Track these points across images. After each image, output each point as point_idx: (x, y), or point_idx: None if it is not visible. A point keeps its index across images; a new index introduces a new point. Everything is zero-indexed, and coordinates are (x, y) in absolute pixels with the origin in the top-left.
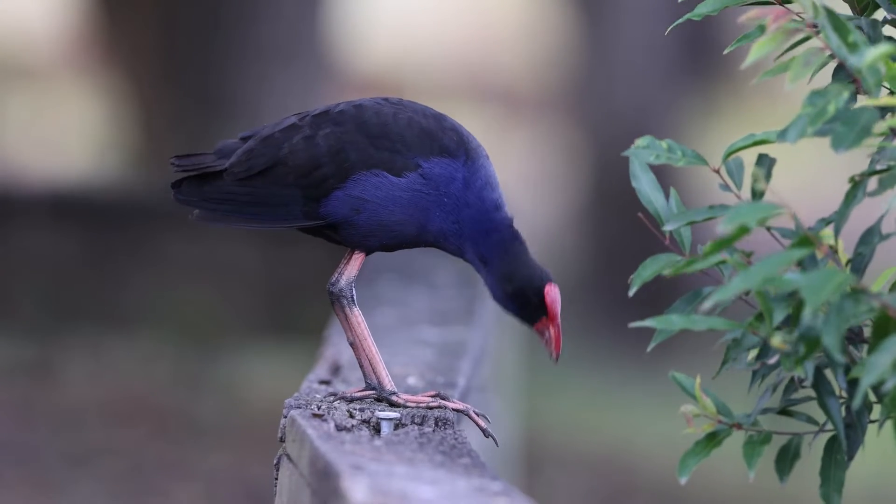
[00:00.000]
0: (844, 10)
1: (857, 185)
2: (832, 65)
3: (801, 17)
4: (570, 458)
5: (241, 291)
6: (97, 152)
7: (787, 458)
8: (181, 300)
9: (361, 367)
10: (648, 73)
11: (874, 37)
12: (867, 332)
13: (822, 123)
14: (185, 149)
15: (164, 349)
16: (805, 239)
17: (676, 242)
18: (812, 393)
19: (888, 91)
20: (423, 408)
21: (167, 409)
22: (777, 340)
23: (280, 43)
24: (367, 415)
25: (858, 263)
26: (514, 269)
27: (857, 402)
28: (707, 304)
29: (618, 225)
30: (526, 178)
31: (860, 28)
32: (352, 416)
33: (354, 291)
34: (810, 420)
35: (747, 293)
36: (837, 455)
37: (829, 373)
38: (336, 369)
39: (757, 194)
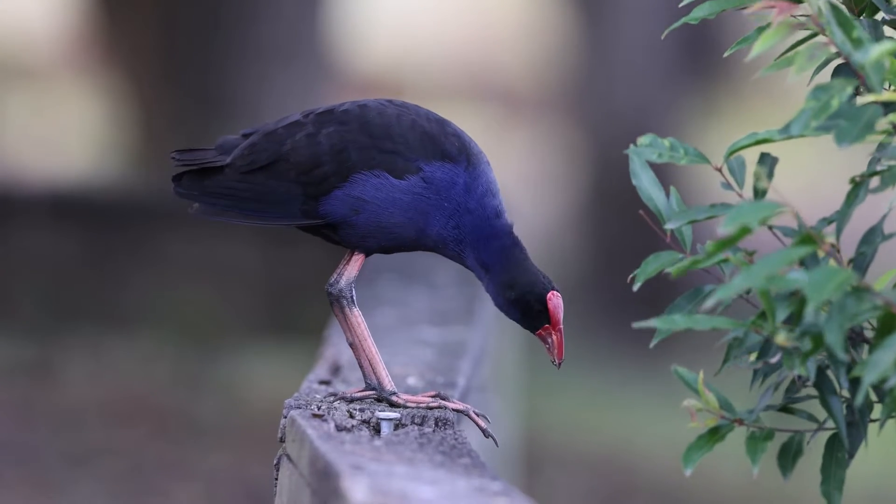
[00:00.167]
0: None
1: (858, 185)
2: (832, 65)
3: (805, 16)
4: (570, 458)
5: (241, 291)
6: (97, 152)
7: (789, 455)
8: (181, 300)
9: (361, 367)
10: (648, 73)
11: (875, 36)
12: (868, 333)
13: (825, 118)
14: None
15: (164, 349)
16: (808, 237)
17: (677, 241)
18: (813, 391)
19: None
20: (423, 408)
21: (167, 409)
22: (781, 337)
23: (280, 43)
24: (367, 415)
25: (860, 262)
26: (516, 276)
27: (859, 398)
28: (710, 303)
29: (618, 225)
30: (526, 178)
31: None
32: (352, 417)
33: (354, 292)
34: (811, 418)
35: (748, 292)
36: (838, 453)
37: (830, 373)
38: (336, 369)
39: (759, 193)
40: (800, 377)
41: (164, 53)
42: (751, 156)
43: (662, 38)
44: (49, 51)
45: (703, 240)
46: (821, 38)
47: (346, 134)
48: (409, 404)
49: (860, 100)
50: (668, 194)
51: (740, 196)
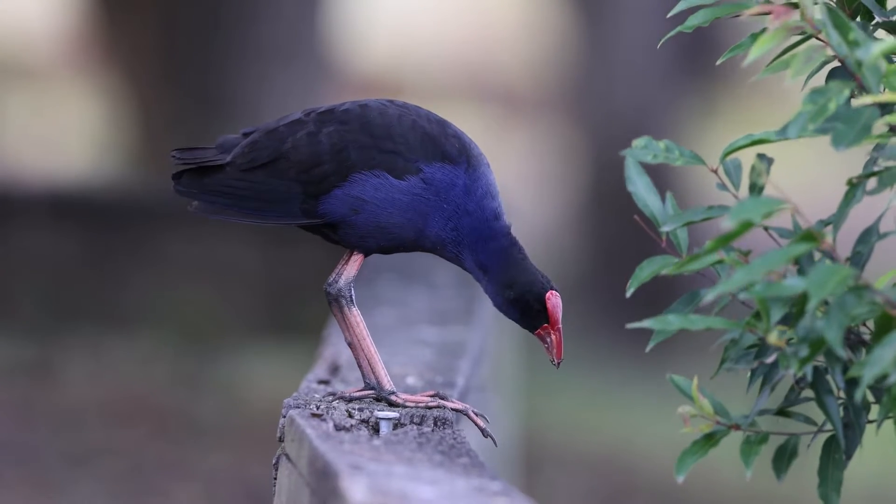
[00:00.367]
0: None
1: (855, 186)
2: (828, 68)
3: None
4: (570, 458)
5: (240, 291)
6: (97, 152)
7: (784, 457)
8: (181, 300)
9: (360, 366)
10: (647, 73)
11: (868, 38)
12: (867, 337)
13: (822, 121)
14: None
15: (164, 349)
16: (808, 234)
17: (673, 244)
18: (810, 393)
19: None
20: (421, 407)
21: (167, 409)
22: (774, 337)
23: (280, 43)
24: (365, 414)
25: (857, 262)
26: (515, 275)
27: (858, 395)
28: (709, 297)
29: (617, 224)
30: (525, 178)
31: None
32: (351, 416)
33: (353, 292)
34: (808, 420)
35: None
36: (836, 455)
37: (827, 375)
38: (335, 369)
39: (757, 189)
40: (797, 379)
41: (163, 53)
42: (747, 157)
43: (658, 46)
44: (49, 51)
45: (698, 243)
46: (817, 41)
47: (346, 133)
48: (407, 404)
49: (857, 101)
50: (664, 199)
51: (736, 197)
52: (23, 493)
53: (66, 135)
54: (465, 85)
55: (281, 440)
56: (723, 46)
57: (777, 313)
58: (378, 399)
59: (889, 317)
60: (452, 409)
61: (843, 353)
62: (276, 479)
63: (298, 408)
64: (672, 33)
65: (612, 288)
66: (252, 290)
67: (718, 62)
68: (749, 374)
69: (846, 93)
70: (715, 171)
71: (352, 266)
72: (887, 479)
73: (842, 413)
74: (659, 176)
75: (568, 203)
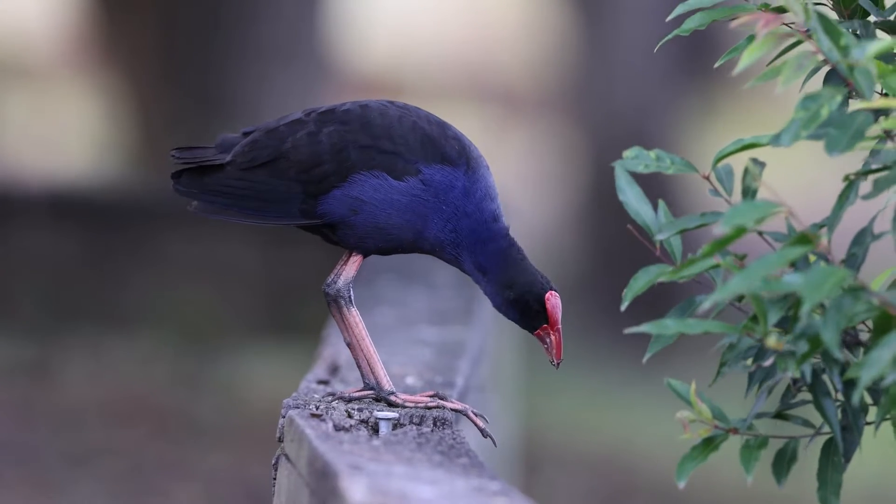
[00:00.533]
0: (831, 16)
1: (849, 187)
2: (824, 71)
3: (792, 25)
4: (570, 458)
5: (240, 291)
6: (97, 152)
7: (783, 462)
8: (181, 300)
9: (359, 367)
10: (647, 74)
11: (866, 37)
12: (864, 337)
13: (815, 127)
14: None
15: (163, 349)
16: (803, 237)
17: (667, 253)
18: (808, 396)
19: (881, 94)
20: (421, 408)
21: (167, 409)
22: (772, 341)
23: (280, 43)
24: (365, 415)
25: (852, 263)
26: (514, 276)
27: (856, 396)
28: (706, 304)
29: (616, 225)
30: (525, 178)
31: (855, 33)
32: (350, 416)
33: (352, 292)
34: (807, 423)
35: (740, 299)
36: (834, 457)
37: (825, 377)
38: (334, 369)
39: (750, 193)
40: (795, 381)
41: (163, 53)
42: (743, 161)
43: (655, 50)
44: (48, 50)
45: (693, 251)
46: (808, 47)
47: (346, 134)
48: (407, 404)
49: (853, 105)
50: (656, 208)
51: (729, 203)
52: (23, 493)
53: (66, 135)
54: (464, 85)
55: (280, 440)
56: (723, 47)
57: (774, 316)
58: (377, 399)
59: (888, 316)
60: (452, 410)
61: (840, 354)
62: (275, 479)
63: (298, 408)
64: (669, 37)
65: (612, 288)
66: (252, 291)
67: (716, 65)
68: (748, 377)
69: (838, 98)
70: (707, 178)
71: (350, 267)
72: (887, 480)
73: (840, 415)
74: (653, 183)
75: (567, 203)
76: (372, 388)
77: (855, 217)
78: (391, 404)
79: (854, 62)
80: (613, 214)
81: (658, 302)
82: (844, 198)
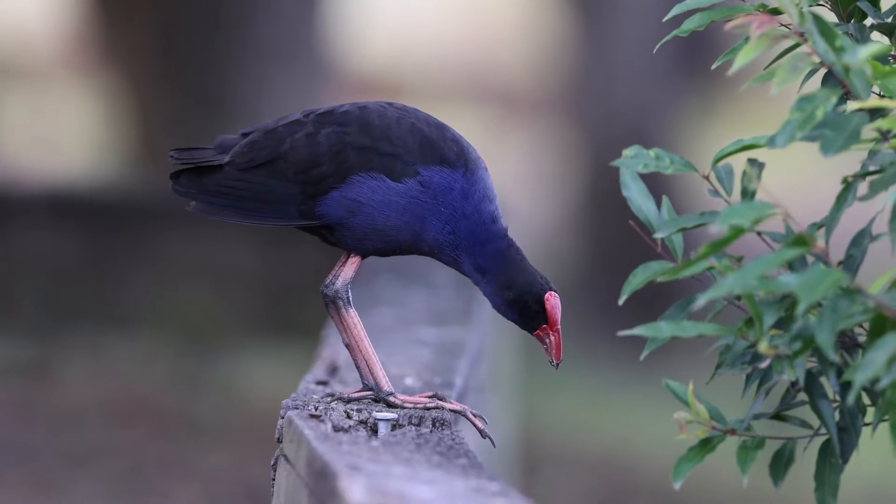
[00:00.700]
0: (830, 18)
1: (847, 188)
2: (822, 72)
3: (788, 27)
4: (569, 459)
5: (240, 292)
6: (96, 152)
7: (781, 463)
8: (181, 300)
9: (358, 367)
10: (647, 74)
11: (862, 40)
12: (861, 338)
13: (810, 129)
14: None
15: (163, 349)
16: (799, 238)
17: (668, 250)
18: (805, 397)
19: (877, 94)
20: (420, 408)
21: (167, 409)
22: (764, 346)
23: (280, 43)
24: (364, 415)
25: (850, 265)
26: (513, 277)
27: (851, 398)
28: (700, 302)
29: (615, 225)
30: (523, 178)
31: (850, 35)
32: (349, 417)
33: (350, 293)
34: (804, 424)
35: (739, 298)
36: (832, 459)
37: (821, 379)
38: (333, 370)
39: (749, 194)
40: (792, 383)
41: (162, 53)
42: (743, 161)
43: (654, 52)
44: (47, 51)
45: (694, 247)
46: (803, 49)
47: (345, 135)
48: (406, 405)
49: (850, 105)
50: (660, 205)
51: (728, 203)
52: (23, 493)
53: (66, 135)
54: (464, 85)
55: (279, 441)
56: (722, 47)
57: (770, 318)
58: (376, 400)
59: (883, 318)
60: (451, 410)
61: (835, 356)
62: (274, 479)
63: (297, 409)
64: (668, 37)
65: (611, 289)
66: (251, 291)
67: (714, 66)
68: (744, 378)
69: (833, 99)
70: (706, 178)
71: (349, 268)
72: (886, 480)
73: (838, 416)
74: (656, 182)
75: (566, 203)
76: (371, 389)
77: (855, 218)
78: (390, 405)
79: (849, 64)
80: (613, 215)
81: (657, 301)
82: (842, 199)
